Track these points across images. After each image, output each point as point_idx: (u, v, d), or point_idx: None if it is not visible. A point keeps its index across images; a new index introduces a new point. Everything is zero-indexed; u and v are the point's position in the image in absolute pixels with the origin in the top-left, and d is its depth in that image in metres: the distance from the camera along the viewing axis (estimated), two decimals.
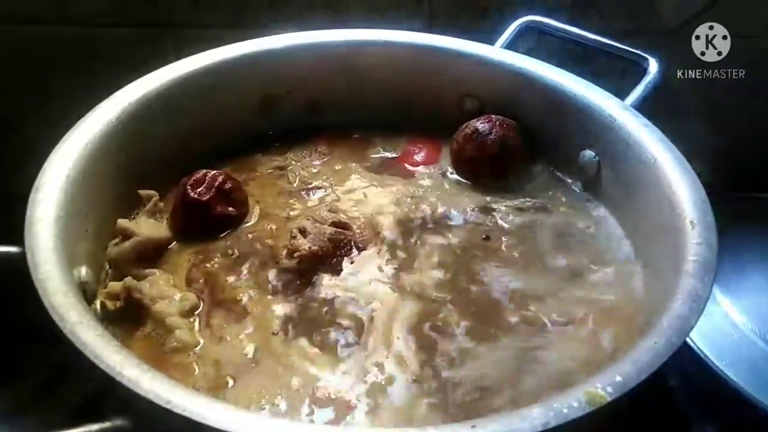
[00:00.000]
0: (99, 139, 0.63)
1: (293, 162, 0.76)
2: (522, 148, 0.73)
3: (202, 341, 0.55)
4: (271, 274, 0.61)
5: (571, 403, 0.39)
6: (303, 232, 0.63)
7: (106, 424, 0.40)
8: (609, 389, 0.40)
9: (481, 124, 0.72)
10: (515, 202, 0.70)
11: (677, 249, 0.53)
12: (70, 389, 0.74)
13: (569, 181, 0.73)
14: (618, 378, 0.41)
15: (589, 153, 0.71)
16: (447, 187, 0.73)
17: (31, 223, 0.52)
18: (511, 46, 0.79)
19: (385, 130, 0.80)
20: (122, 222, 0.63)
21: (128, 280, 0.57)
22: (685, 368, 0.77)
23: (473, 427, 0.38)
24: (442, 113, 0.79)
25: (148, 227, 0.64)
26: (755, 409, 0.70)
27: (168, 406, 0.38)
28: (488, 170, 0.72)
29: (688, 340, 0.74)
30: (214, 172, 0.67)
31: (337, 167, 0.76)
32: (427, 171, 0.75)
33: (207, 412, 0.38)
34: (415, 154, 0.78)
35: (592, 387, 0.40)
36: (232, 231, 0.66)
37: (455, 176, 0.74)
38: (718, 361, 0.73)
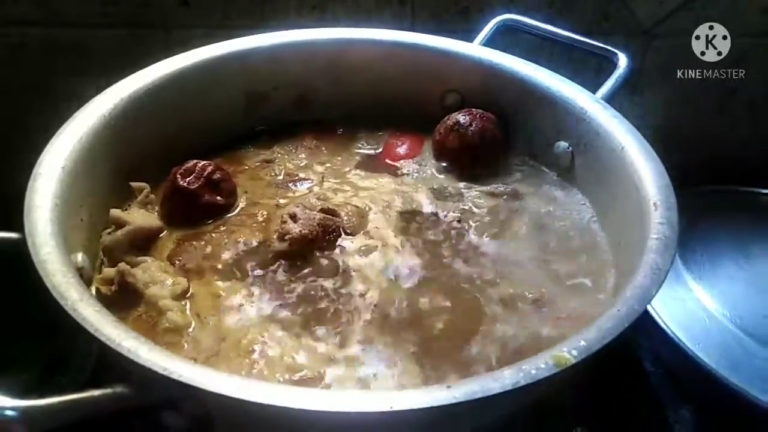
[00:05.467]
0: (92, 133, 0.65)
1: (280, 155, 0.79)
2: (500, 140, 0.77)
3: (193, 323, 0.57)
4: (261, 257, 0.64)
5: (539, 365, 0.42)
6: (293, 217, 0.66)
7: (108, 390, 0.42)
8: (574, 352, 0.44)
9: (462, 117, 0.76)
10: (488, 188, 0.74)
11: (642, 229, 0.57)
12: (65, 380, 0.76)
13: (545, 170, 0.77)
14: (582, 342, 0.44)
15: (563, 144, 0.74)
16: (428, 176, 0.76)
17: (30, 209, 0.54)
18: (489, 43, 0.83)
19: (369, 125, 0.84)
20: (115, 212, 0.65)
21: (122, 265, 0.59)
22: (660, 353, 0.81)
23: (449, 387, 0.41)
24: (424, 108, 0.83)
25: (140, 217, 0.66)
26: (728, 390, 0.73)
27: (165, 373, 0.41)
28: (468, 160, 0.76)
29: (663, 326, 0.78)
30: (204, 162, 0.69)
31: (322, 160, 0.79)
32: (409, 163, 0.79)
33: (201, 377, 0.41)
34: (397, 147, 0.81)
35: (559, 350, 0.44)
36: (221, 218, 0.69)
37: (436, 167, 0.77)
38: (692, 345, 0.77)
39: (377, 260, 0.64)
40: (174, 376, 0.41)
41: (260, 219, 0.69)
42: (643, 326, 0.80)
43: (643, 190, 0.60)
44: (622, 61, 0.75)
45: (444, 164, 0.77)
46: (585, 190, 0.73)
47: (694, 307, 0.82)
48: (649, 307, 0.67)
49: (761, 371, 0.73)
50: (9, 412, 0.39)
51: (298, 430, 0.45)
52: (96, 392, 0.42)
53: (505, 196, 0.73)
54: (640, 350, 0.82)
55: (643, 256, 0.52)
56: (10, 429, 0.39)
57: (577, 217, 0.71)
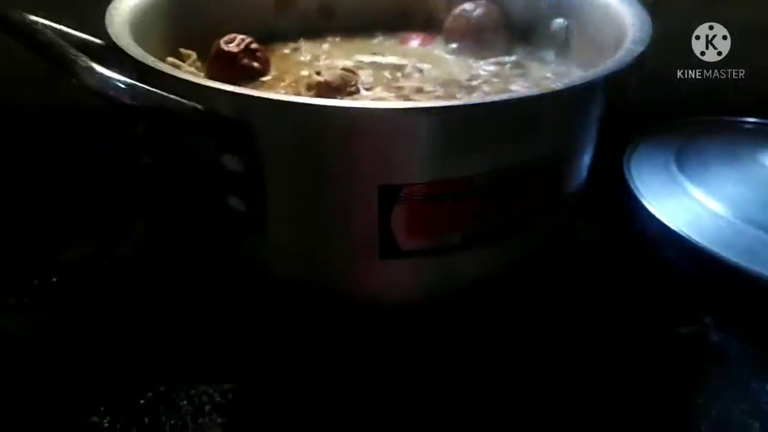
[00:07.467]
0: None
1: (305, 45, 0.90)
2: (503, 25, 0.87)
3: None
4: None
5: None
6: (318, 73, 0.76)
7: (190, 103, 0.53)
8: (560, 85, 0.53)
9: (468, 5, 0.88)
10: (494, 60, 0.84)
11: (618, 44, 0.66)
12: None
13: (544, 48, 0.86)
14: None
15: (558, 21, 0.84)
16: (438, 55, 0.87)
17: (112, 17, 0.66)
18: None
19: (386, 30, 0.94)
20: (171, 59, 0.76)
21: None
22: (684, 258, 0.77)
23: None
24: (438, 16, 0.92)
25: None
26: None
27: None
28: (474, 41, 0.86)
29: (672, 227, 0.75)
30: (243, 35, 0.79)
31: (344, 49, 0.89)
32: (423, 48, 0.90)
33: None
34: (411, 39, 0.92)
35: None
36: (256, 81, 0.79)
37: (446, 48, 0.88)
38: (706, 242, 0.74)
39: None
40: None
41: (290, 82, 0.79)
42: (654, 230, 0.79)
43: (623, 28, 0.69)
44: None
45: (453, 46, 0.87)
46: (582, 61, 0.80)
47: (702, 213, 0.80)
48: (657, 215, 0.77)
49: None
50: (121, 84, 0.48)
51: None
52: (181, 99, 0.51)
53: (509, 65, 0.82)
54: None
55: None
56: (120, 97, 0.47)
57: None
